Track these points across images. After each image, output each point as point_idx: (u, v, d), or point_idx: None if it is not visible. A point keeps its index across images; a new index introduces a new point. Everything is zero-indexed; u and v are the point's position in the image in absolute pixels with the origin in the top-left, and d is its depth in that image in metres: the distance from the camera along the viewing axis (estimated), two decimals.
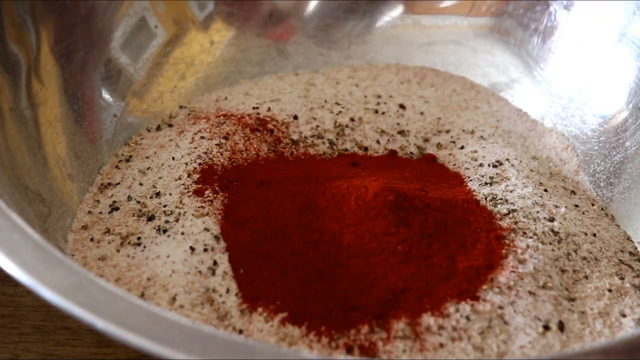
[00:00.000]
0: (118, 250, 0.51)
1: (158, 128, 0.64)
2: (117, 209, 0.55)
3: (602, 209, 0.58)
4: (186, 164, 0.57)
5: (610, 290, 0.49)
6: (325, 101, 0.67)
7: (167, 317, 0.35)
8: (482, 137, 0.64)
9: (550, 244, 0.51)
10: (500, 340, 0.44)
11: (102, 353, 0.50)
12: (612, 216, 0.58)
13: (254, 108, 0.65)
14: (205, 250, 0.49)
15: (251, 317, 0.45)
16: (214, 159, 0.58)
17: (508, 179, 0.57)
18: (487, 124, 0.66)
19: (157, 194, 0.55)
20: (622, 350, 0.36)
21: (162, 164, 0.58)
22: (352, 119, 0.65)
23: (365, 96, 0.69)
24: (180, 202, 0.53)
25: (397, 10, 0.77)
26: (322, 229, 0.51)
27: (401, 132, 0.65)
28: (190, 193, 0.54)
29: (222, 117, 0.63)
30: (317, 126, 0.64)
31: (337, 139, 0.63)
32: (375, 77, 0.72)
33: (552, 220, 0.53)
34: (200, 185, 0.55)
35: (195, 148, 0.59)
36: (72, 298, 0.36)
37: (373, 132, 0.65)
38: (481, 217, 0.53)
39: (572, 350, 0.44)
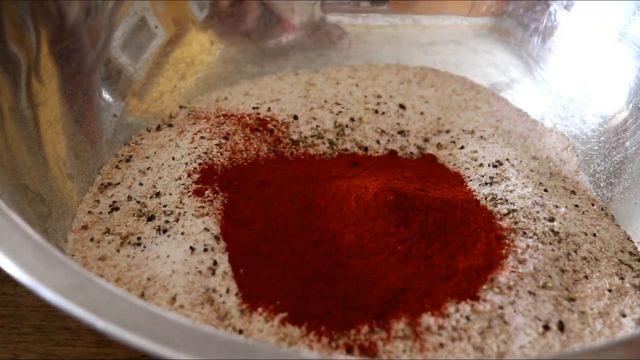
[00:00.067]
0: (118, 250, 0.51)
1: (158, 128, 0.64)
2: (117, 209, 0.55)
3: (602, 209, 0.58)
4: (186, 164, 0.57)
5: (610, 290, 0.49)
6: (325, 101, 0.67)
7: (167, 317, 0.35)
8: (482, 137, 0.64)
9: (550, 244, 0.51)
10: (500, 340, 0.44)
11: (102, 353, 0.50)
12: (612, 216, 0.58)
13: (254, 108, 0.65)
14: (205, 250, 0.49)
15: (251, 317, 0.45)
16: (214, 159, 0.58)
17: (508, 179, 0.57)
18: (487, 124, 0.66)
19: (157, 194, 0.55)
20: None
21: (162, 164, 0.58)
22: (352, 119, 0.65)
23: (365, 96, 0.69)
24: (180, 202, 0.53)
25: (397, 10, 0.77)
26: (322, 229, 0.51)
27: (401, 132, 0.65)
28: (190, 193, 0.54)
29: (222, 117, 0.63)
30: (317, 126, 0.64)
31: (337, 139, 0.63)
32: (375, 77, 0.72)
33: (552, 220, 0.53)
34: (200, 185, 0.55)
35: (195, 148, 0.59)
36: (72, 298, 0.36)
37: (373, 132, 0.65)
38: (481, 217, 0.53)
39: (572, 350, 0.44)
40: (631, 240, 0.55)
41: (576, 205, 0.57)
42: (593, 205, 0.58)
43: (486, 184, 0.57)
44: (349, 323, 0.45)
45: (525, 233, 0.51)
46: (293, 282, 0.47)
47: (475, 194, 0.56)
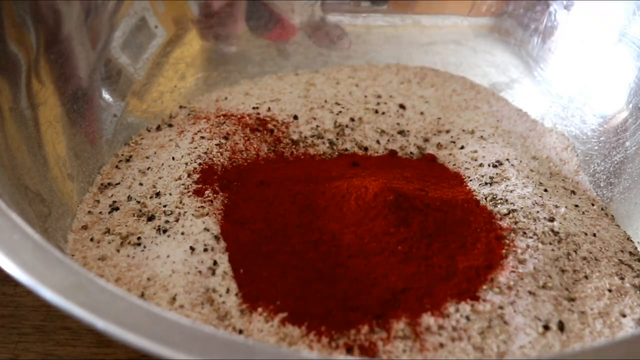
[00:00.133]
0: (118, 250, 0.51)
1: (158, 128, 0.64)
2: (117, 209, 0.55)
3: (602, 209, 0.58)
4: (186, 164, 0.57)
5: (610, 290, 0.49)
6: (325, 101, 0.67)
7: (167, 317, 0.35)
8: (482, 137, 0.64)
9: (550, 244, 0.51)
10: (500, 340, 0.44)
11: (102, 353, 0.50)
12: (612, 216, 0.58)
13: (254, 108, 0.65)
14: (205, 250, 0.49)
15: (251, 317, 0.45)
16: (214, 159, 0.58)
17: (508, 179, 0.57)
18: (487, 124, 0.66)
19: (157, 194, 0.55)
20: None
21: (162, 164, 0.58)
22: (352, 119, 0.65)
23: (365, 96, 0.69)
24: (180, 202, 0.53)
25: (397, 10, 0.77)
26: (322, 229, 0.51)
27: (401, 132, 0.65)
28: (190, 193, 0.54)
29: (222, 117, 0.63)
30: (317, 126, 0.64)
31: (337, 139, 0.63)
32: (375, 77, 0.72)
33: (552, 220, 0.53)
34: (200, 185, 0.55)
35: (195, 148, 0.59)
36: (72, 298, 0.36)
37: (373, 132, 0.65)
38: (481, 217, 0.53)
39: (572, 350, 0.44)
40: (631, 240, 0.55)
41: (576, 205, 0.57)
42: (593, 205, 0.58)
43: (486, 184, 0.57)
44: (349, 323, 0.45)
45: (525, 233, 0.51)
46: (293, 282, 0.47)
47: (475, 194, 0.56)
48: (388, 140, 0.64)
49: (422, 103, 0.68)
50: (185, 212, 0.52)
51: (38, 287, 0.36)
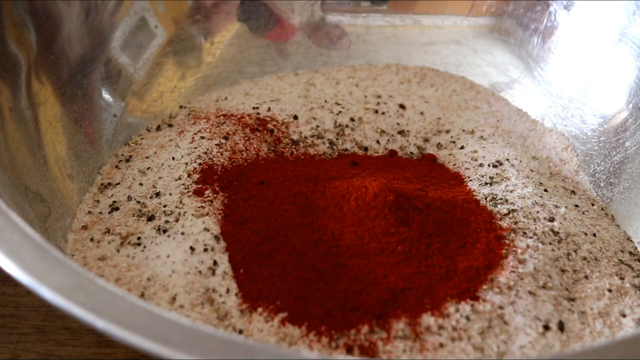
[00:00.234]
0: (118, 250, 0.51)
1: (158, 128, 0.64)
2: (117, 209, 0.55)
3: (602, 209, 0.58)
4: (186, 164, 0.57)
5: (610, 290, 0.49)
6: (325, 101, 0.67)
7: (167, 317, 0.35)
8: (482, 137, 0.64)
9: (550, 244, 0.51)
10: (500, 340, 0.44)
11: (102, 353, 0.50)
12: (612, 216, 0.58)
13: (254, 108, 0.65)
14: (205, 250, 0.49)
15: (251, 317, 0.45)
16: (214, 159, 0.58)
17: (508, 179, 0.57)
18: (487, 124, 0.66)
19: (157, 194, 0.55)
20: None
21: (162, 164, 0.58)
22: (352, 119, 0.65)
23: (365, 96, 0.69)
24: (180, 202, 0.53)
25: (397, 10, 0.77)
26: (322, 229, 0.51)
27: (401, 132, 0.65)
28: (190, 193, 0.54)
29: (222, 117, 0.63)
30: (317, 126, 0.64)
31: (337, 139, 0.63)
32: (375, 77, 0.72)
33: (552, 220, 0.53)
34: (200, 185, 0.55)
35: (195, 148, 0.59)
36: (72, 298, 0.36)
37: (373, 132, 0.65)
38: (481, 217, 0.53)
39: (572, 350, 0.44)
40: (631, 240, 0.55)
41: (576, 205, 0.57)
42: (593, 205, 0.58)
43: (486, 184, 0.57)
44: (349, 323, 0.45)
45: (525, 233, 0.51)
46: (293, 282, 0.47)
47: (475, 194, 0.56)
48: (388, 140, 0.64)
49: (422, 103, 0.68)
50: (185, 212, 0.52)
51: (38, 287, 0.36)
